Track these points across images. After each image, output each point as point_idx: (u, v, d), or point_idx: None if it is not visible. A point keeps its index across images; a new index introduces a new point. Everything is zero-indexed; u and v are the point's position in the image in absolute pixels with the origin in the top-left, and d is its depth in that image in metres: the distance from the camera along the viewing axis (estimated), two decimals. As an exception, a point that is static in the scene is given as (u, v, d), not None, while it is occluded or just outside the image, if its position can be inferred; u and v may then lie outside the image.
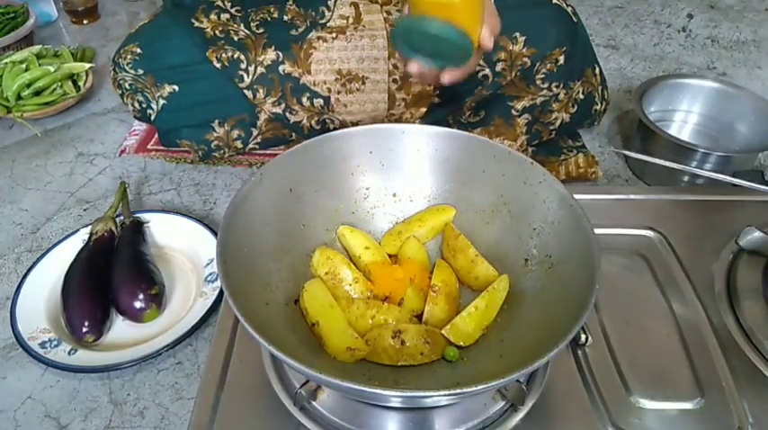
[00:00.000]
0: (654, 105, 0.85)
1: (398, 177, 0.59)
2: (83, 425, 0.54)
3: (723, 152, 0.74)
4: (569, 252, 0.48)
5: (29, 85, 0.92)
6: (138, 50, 0.74)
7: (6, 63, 0.94)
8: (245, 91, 0.73)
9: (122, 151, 0.87)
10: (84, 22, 1.25)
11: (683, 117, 0.87)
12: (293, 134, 0.77)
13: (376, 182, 0.59)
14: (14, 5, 1.12)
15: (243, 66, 0.72)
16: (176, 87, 0.74)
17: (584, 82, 0.80)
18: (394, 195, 0.59)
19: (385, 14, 0.73)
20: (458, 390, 0.36)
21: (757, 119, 0.79)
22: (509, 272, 0.52)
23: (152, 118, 0.77)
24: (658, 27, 1.19)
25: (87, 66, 0.98)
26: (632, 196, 0.69)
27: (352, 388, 0.37)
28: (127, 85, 0.75)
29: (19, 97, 0.91)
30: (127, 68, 0.74)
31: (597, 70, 0.82)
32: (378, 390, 0.37)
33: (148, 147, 0.87)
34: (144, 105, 0.76)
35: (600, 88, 0.83)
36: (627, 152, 0.76)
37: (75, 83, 0.97)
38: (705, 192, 0.70)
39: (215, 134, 0.76)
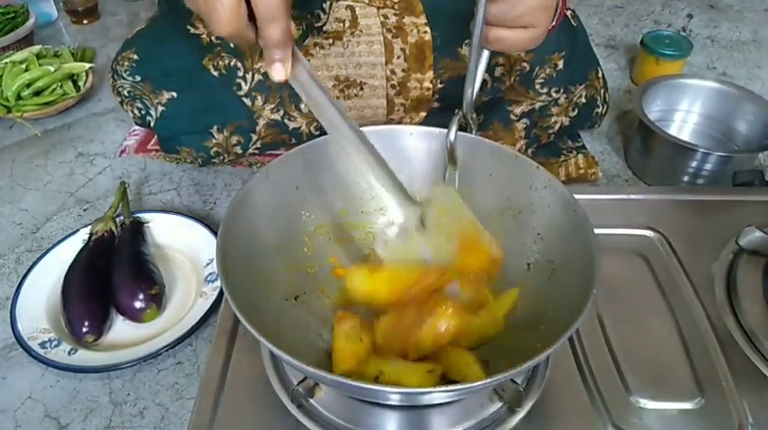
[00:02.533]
0: (654, 105, 0.84)
1: (405, 178, 0.59)
2: (83, 425, 0.54)
3: (723, 152, 0.74)
4: (571, 258, 0.48)
5: (29, 85, 0.92)
6: (135, 57, 0.74)
7: (6, 63, 0.94)
8: (244, 98, 0.73)
9: (122, 151, 0.87)
10: (84, 22, 1.25)
11: (683, 117, 0.87)
12: (292, 139, 0.77)
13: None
14: (14, 5, 1.12)
15: (240, 73, 0.72)
16: (174, 94, 0.74)
17: (588, 85, 0.79)
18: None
19: (382, 18, 0.73)
20: (453, 388, 0.37)
21: (757, 119, 0.79)
22: (511, 275, 0.52)
23: (151, 125, 0.77)
24: (658, 27, 1.19)
25: (87, 66, 0.98)
26: (632, 196, 0.69)
27: (348, 384, 0.37)
28: (126, 93, 0.75)
29: (19, 97, 0.91)
30: (125, 75, 0.74)
31: (600, 73, 0.82)
32: (374, 387, 0.37)
33: (148, 147, 0.87)
34: (143, 112, 0.76)
35: (602, 91, 0.83)
36: None
37: (75, 83, 0.97)
38: (705, 192, 0.70)
39: (214, 140, 0.76)
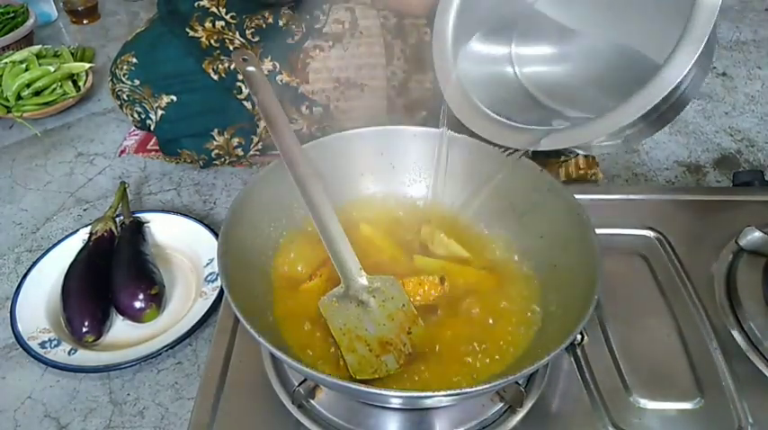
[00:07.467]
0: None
1: (408, 180, 0.59)
2: (83, 425, 0.54)
3: None
4: (573, 262, 0.48)
5: (29, 85, 0.92)
6: (134, 60, 0.74)
7: (6, 63, 0.94)
8: (244, 102, 0.73)
9: (122, 151, 0.87)
10: (84, 21, 1.25)
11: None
12: None
13: (385, 183, 0.59)
14: (14, 5, 1.12)
15: (240, 77, 0.72)
16: (174, 98, 0.74)
17: None
18: (404, 197, 0.59)
19: (382, 19, 0.73)
20: (456, 391, 0.37)
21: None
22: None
23: (151, 128, 0.77)
24: (658, 27, 1.19)
25: (87, 66, 0.98)
26: (632, 196, 0.69)
27: (349, 387, 0.37)
28: (125, 96, 0.75)
29: (19, 97, 0.91)
30: (124, 79, 0.74)
31: None
32: (375, 390, 0.37)
33: (148, 147, 0.87)
34: (143, 116, 0.76)
35: None
36: None
37: (74, 83, 0.97)
38: (705, 192, 0.70)
39: (215, 143, 0.76)
